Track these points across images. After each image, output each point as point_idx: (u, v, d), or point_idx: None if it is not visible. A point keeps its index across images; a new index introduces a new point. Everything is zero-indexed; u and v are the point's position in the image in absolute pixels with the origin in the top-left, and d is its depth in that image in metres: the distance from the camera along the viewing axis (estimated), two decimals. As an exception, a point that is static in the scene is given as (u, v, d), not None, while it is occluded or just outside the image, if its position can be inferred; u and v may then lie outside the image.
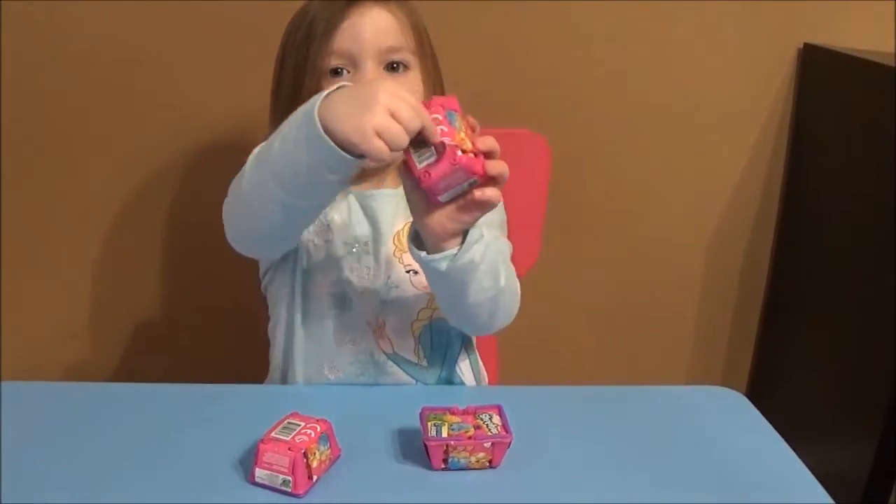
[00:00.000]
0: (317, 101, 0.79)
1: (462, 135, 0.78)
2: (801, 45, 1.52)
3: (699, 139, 1.57)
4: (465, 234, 0.86)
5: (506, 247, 1.00)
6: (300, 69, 0.98)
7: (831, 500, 0.82)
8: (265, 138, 0.88)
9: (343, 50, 0.97)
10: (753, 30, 1.50)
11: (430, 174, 0.79)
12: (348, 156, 0.77)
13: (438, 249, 0.87)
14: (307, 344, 1.01)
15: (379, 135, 0.75)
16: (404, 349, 1.02)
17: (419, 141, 0.78)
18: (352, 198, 1.03)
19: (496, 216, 1.05)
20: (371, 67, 0.97)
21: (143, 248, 1.56)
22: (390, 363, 1.01)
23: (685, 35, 1.50)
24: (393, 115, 0.76)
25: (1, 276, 1.53)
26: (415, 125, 0.77)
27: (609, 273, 1.64)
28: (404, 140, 0.76)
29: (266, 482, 0.78)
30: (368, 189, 1.03)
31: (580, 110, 1.52)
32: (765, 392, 1.67)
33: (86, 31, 1.41)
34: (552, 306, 1.61)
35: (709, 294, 1.68)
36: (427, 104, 0.79)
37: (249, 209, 0.87)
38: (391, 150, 0.76)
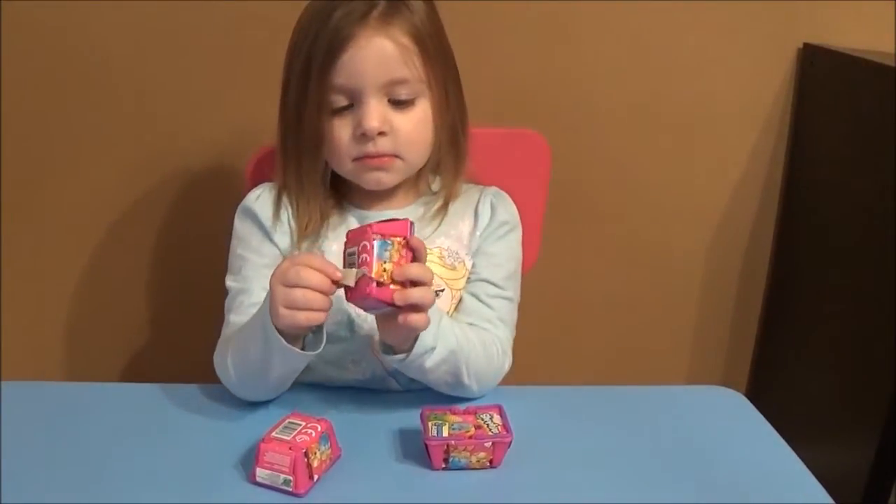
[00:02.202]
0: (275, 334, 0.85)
1: (387, 265, 0.82)
2: (801, 45, 1.52)
3: (699, 139, 1.57)
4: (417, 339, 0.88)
5: (503, 334, 1.00)
6: (301, 101, 0.95)
7: (831, 500, 0.82)
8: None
9: (343, 86, 0.93)
10: (753, 30, 1.50)
11: (349, 295, 0.84)
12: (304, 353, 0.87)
13: (396, 348, 0.89)
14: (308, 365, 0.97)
15: (306, 326, 0.85)
16: None
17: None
18: (352, 220, 1.02)
19: (511, 264, 1.05)
20: (373, 103, 0.93)
21: (143, 250, 1.56)
22: (391, 379, 1.01)
23: (685, 35, 1.50)
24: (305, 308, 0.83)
25: (1, 277, 1.53)
26: (316, 303, 0.83)
27: (609, 273, 1.64)
28: (317, 318, 0.84)
29: (267, 482, 0.78)
30: (373, 210, 1.02)
31: (580, 110, 1.52)
32: (765, 392, 1.67)
33: (86, 33, 1.41)
34: (552, 306, 1.61)
35: (709, 294, 1.68)
36: (364, 230, 0.83)
37: (245, 390, 0.94)
38: (319, 318, 0.84)
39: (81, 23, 1.40)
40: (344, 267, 0.85)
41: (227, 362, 0.92)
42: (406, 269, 0.82)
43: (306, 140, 0.97)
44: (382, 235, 0.83)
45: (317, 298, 0.83)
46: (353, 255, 0.84)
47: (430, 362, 0.89)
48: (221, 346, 0.96)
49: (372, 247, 0.82)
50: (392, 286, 0.82)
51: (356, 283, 0.82)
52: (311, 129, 0.95)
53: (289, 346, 0.85)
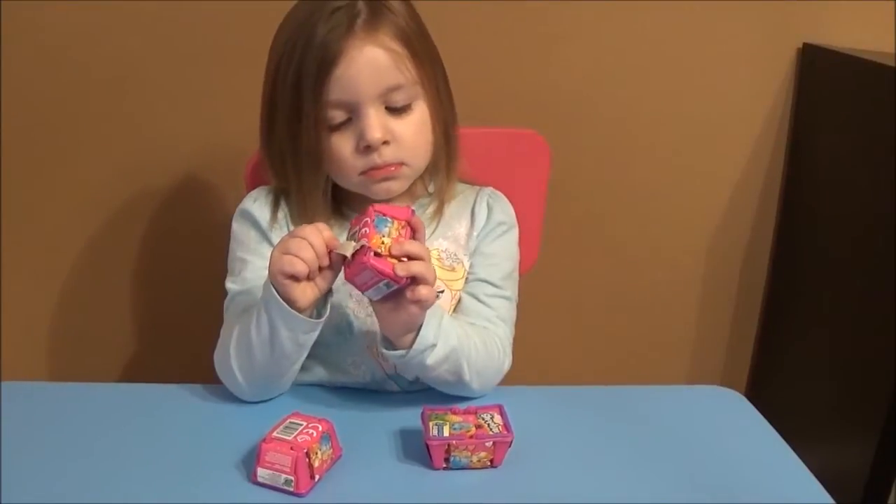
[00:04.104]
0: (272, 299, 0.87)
1: (385, 239, 0.83)
2: (801, 45, 1.52)
3: (699, 139, 1.57)
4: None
5: (503, 333, 1.00)
6: (295, 121, 0.93)
7: (831, 500, 0.82)
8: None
9: (339, 101, 0.91)
10: (753, 30, 1.50)
11: (348, 271, 0.84)
12: (311, 319, 0.88)
13: (398, 343, 0.89)
14: (307, 365, 0.97)
15: (289, 272, 0.85)
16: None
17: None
18: None
19: (508, 264, 1.05)
20: (372, 114, 0.92)
21: (143, 251, 1.56)
22: (391, 382, 1.01)
23: (685, 35, 1.50)
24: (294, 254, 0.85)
25: (1, 277, 1.53)
26: (304, 253, 0.84)
27: (609, 273, 1.65)
28: (299, 266, 0.84)
29: (268, 482, 0.79)
30: None
31: (580, 110, 1.52)
32: (765, 392, 1.67)
33: (86, 34, 1.41)
34: (552, 306, 1.61)
35: (709, 294, 1.68)
36: (366, 210, 0.85)
37: (247, 382, 0.93)
38: (305, 269, 0.85)
39: (81, 23, 1.40)
40: None
41: (229, 353, 0.92)
42: (404, 244, 0.83)
43: (305, 159, 0.95)
44: (383, 213, 0.84)
45: (307, 250, 0.84)
46: (355, 234, 0.84)
47: (431, 359, 0.89)
48: (222, 341, 0.96)
49: (372, 221, 0.83)
50: (390, 260, 0.82)
51: (354, 256, 0.82)
52: (309, 148, 0.94)
53: (290, 309, 0.86)
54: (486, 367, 0.96)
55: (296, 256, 0.84)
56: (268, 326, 0.88)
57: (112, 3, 1.39)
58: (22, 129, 1.45)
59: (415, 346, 0.88)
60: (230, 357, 0.92)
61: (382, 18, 0.92)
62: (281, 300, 0.86)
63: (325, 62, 0.90)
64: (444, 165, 1.03)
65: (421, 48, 0.95)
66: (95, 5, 1.39)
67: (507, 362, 1.00)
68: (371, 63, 0.91)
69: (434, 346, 0.89)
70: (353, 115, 0.93)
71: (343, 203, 1.03)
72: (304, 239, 0.85)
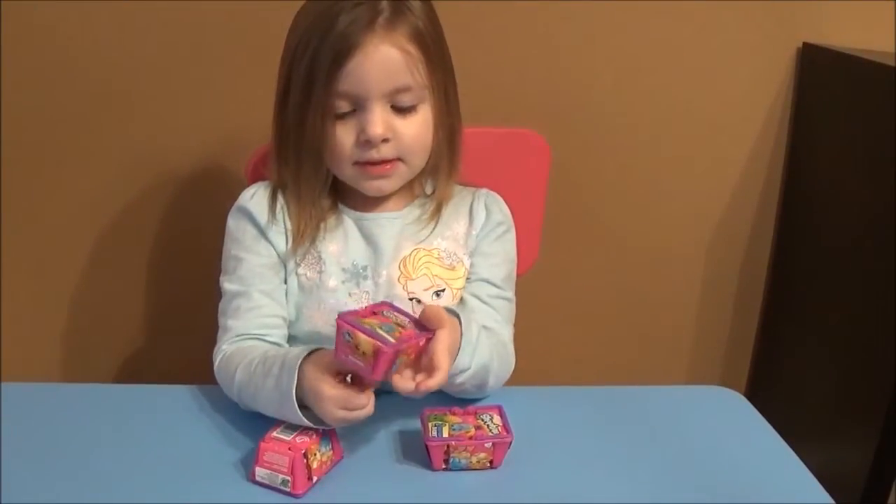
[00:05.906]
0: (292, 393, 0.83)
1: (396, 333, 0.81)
2: (801, 45, 1.52)
3: (699, 139, 1.57)
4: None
5: (507, 335, 1.00)
6: (304, 107, 0.94)
7: (831, 500, 0.82)
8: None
9: (347, 93, 0.92)
10: (753, 30, 1.50)
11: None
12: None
13: None
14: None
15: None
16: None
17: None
18: (349, 222, 1.01)
19: (508, 265, 1.05)
20: (377, 111, 0.93)
21: (143, 250, 1.56)
22: (390, 382, 1.00)
23: (685, 35, 1.50)
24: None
25: (1, 277, 1.53)
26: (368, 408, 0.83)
27: (609, 273, 1.64)
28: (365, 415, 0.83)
29: (266, 481, 0.79)
30: (369, 212, 1.02)
31: (580, 110, 1.52)
32: (764, 392, 1.67)
33: (86, 33, 1.40)
34: (551, 306, 1.61)
35: (708, 294, 1.68)
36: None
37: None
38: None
39: (82, 23, 1.40)
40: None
41: (233, 392, 0.92)
42: (433, 382, 0.81)
43: (308, 145, 0.96)
44: (397, 353, 0.80)
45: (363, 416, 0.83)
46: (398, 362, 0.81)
47: (461, 378, 0.89)
48: (226, 367, 0.93)
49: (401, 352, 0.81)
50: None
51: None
52: (313, 134, 0.95)
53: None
54: (502, 372, 0.97)
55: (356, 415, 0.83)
56: (283, 416, 0.85)
57: (112, 3, 1.39)
58: (21, 128, 1.45)
59: (450, 371, 0.85)
60: (234, 395, 0.92)
61: (403, 18, 0.93)
62: (304, 418, 0.83)
63: (341, 53, 0.91)
64: (446, 168, 1.04)
65: (435, 53, 0.96)
66: (95, 4, 1.39)
67: (514, 364, 1.01)
68: (384, 62, 0.92)
69: (468, 368, 0.89)
70: (359, 107, 0.94)
71: (340, 200, 1.03)
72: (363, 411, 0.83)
